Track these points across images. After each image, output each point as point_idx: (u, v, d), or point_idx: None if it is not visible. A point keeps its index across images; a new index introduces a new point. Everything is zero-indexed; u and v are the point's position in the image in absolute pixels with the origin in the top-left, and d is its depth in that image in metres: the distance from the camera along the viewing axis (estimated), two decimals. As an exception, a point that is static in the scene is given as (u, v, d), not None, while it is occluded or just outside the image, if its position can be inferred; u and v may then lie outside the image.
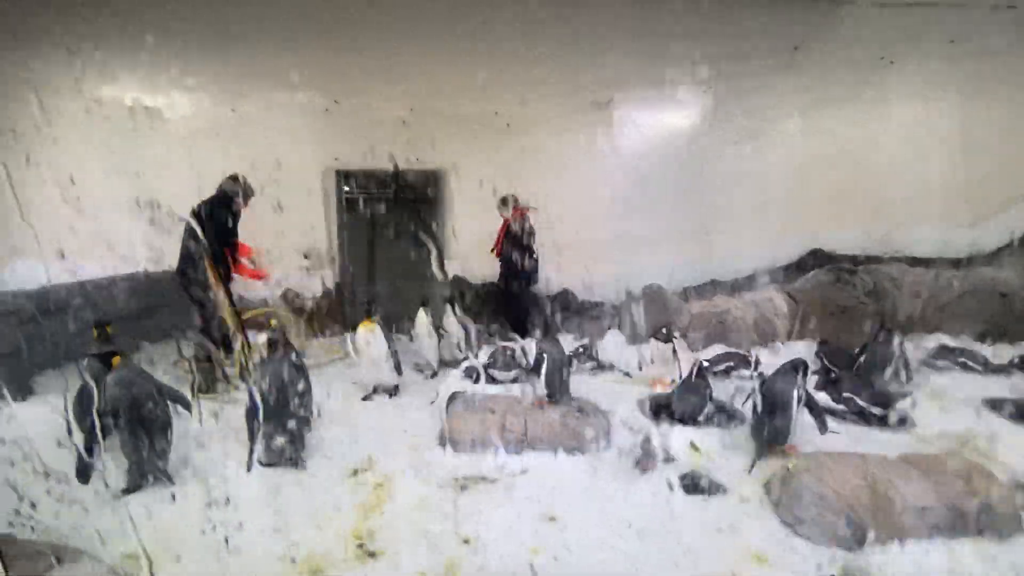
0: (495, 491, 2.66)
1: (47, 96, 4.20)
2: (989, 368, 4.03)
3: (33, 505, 2.26)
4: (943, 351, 4.17)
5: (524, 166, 5.30)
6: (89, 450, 2.48)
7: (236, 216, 3.94)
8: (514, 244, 4.75)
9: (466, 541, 2.31)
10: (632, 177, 5.46)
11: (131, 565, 1.99)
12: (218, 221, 3.81)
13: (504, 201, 4.83)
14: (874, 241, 5.51)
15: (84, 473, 2.46)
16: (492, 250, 4.95)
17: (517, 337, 4.63)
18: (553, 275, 5.30)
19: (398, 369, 3.81)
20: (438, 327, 4.29)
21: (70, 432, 2.69)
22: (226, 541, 2.21)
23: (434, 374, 4.18)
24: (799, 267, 5.49)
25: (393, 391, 3.82)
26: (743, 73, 4.97)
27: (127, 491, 2.50)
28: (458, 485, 2.68)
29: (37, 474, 2.43)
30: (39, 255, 3.80)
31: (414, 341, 4.24)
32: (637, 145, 5.50)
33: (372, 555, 2.25)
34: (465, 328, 4.37)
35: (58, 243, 4.04)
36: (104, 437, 2.51)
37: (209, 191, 3.95)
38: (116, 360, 2.71)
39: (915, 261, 5.24)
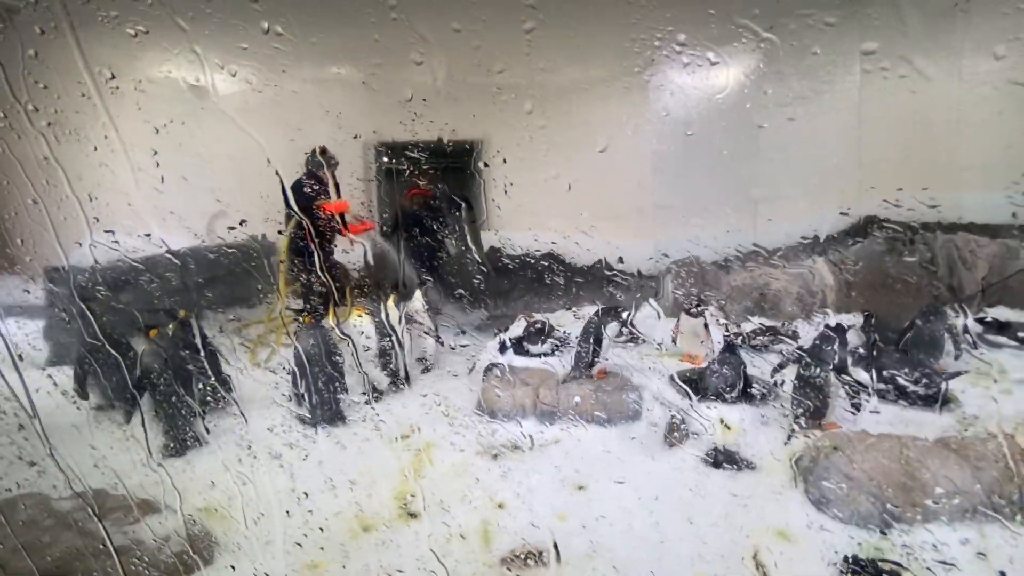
0: (527, 459, 2.81)
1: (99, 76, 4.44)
2: (1052, 345, 3.81)
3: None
4: (1002, 326, 3.96)
5: (561, 134, 5.22)
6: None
7: (320, 187, 4.17)
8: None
9: (500, 505, 2.48)
10: (674, 143, 5.29)
11: (206, 518, 2.27)
12: (306, 195, 4.06)
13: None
14: (937, 208, 5.16)
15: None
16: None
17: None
18: (588, 245, 5.28)
19: (395, 373, 3.47)
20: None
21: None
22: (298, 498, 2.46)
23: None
24: (851, 236, 5.24)
25: (374, 397, 3.37)
26: (799, 28, 4.64)
27: (166, 454, 2.80)
28: (493, 452, 2.84)
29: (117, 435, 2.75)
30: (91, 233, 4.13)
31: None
32: (679, 109, 5.28)
33: (414, 516, 2.46)
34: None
35: (117, 220, 4.36)
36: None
37: (254, 167, 4.15)
38: (153, 332, 2.96)
39: (983, 229, 4.90)
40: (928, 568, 2.08)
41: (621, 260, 5.43)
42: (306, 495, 2.53)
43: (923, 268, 4.58)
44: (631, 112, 5.22)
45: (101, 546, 2.01)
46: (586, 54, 4.93)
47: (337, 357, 3.09)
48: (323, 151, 4.19)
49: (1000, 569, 2.04)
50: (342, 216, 4.31)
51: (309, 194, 4.09)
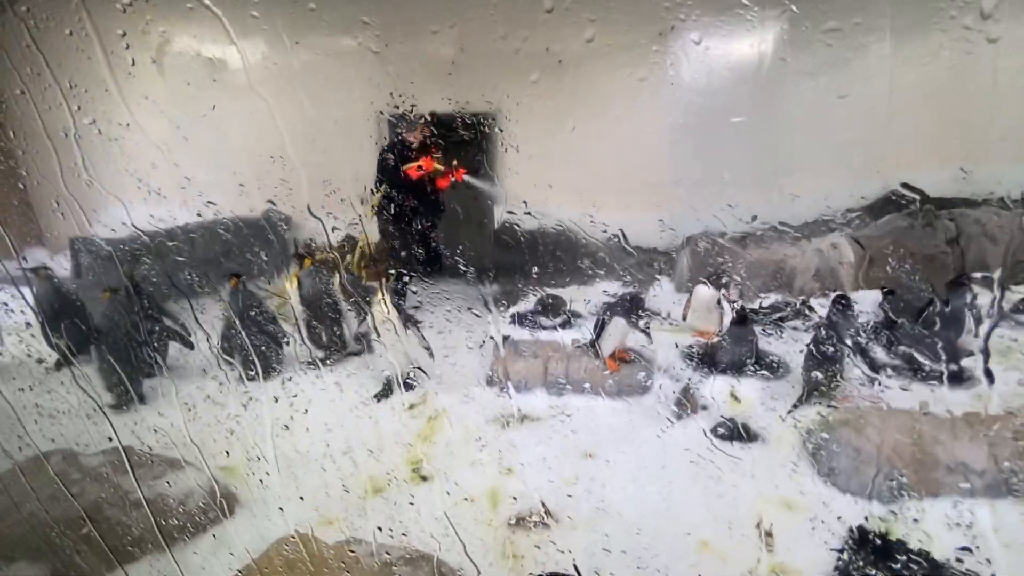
0: (537, 429, 2.85)
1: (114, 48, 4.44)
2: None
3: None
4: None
5: (577, 105, 5.13)
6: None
7: (403, 152, 4.31)
8: None
9: (508, 471, 2.54)
10: (694, 114, 5.15)
11: (226, 475, 2.36)
12: (389, 164, 4.22)
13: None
14: (965, 182, 4.98)
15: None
16: None
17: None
18: (602, 219, 5.22)
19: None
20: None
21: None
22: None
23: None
24: (873, 210, 5.10)
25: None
26: (824, -7, 4.45)
27: (114, 408, 2.87)
28: (502, 422, 2.89)
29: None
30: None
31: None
32: (700, 78, 5.13)
33: (425, 479, 2.53)
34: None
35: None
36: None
37: (265, 140, 4.17)
38: (106, 295, 3.03)
39: (1016, 203, 4.70)
40: (935, 543, 2.08)
41: (635, 234, 5.37)
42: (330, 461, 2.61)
43: (947, 243, 4.45)
44: (648, 81, 5.08)
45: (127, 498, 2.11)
46: (603, 21, 4.79)
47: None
48: (406, 116, 4.24)
49: (1007, 545, 2.03)
50: (432, 173, 4.38)
51: (395, 160, 4.17)
